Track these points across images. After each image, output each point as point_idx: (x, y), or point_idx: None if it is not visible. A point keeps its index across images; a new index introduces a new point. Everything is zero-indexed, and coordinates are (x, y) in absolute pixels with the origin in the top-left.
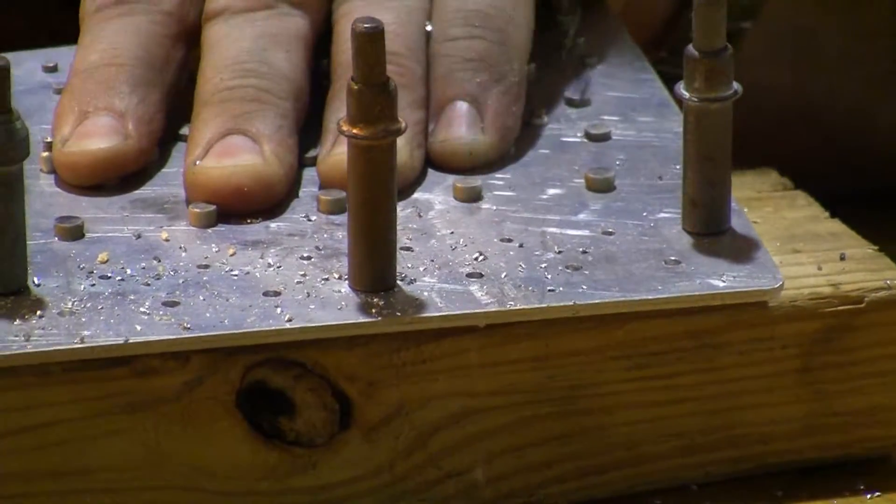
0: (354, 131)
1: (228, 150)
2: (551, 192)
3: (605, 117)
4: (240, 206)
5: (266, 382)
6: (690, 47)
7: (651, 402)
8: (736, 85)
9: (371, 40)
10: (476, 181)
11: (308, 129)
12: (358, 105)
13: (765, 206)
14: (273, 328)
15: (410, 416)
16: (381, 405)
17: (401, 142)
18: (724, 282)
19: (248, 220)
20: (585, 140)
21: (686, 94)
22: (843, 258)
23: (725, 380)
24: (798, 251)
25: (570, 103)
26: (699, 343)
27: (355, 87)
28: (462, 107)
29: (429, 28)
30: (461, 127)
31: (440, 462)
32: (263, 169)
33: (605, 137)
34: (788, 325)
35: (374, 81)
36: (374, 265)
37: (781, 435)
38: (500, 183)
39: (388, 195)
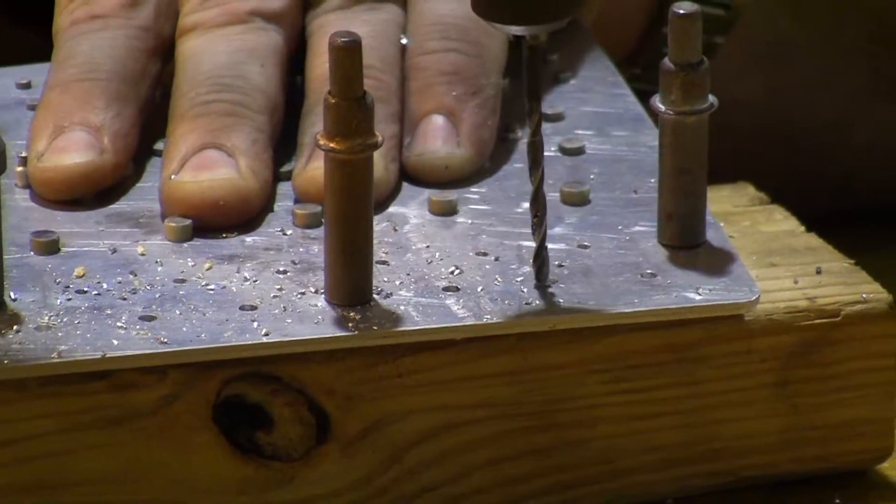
0: (332, 145)
1: (204, 165)
2: (526, 205)
3: (580, 132)
4: (216, 220)
5: (243, 397)
6: (666, 60)
7: (629, 416)
8: (712, 98)
9: (348, 54)
10: (451, 195)
11: (282, 144)
12: (335, 119)
13: (742, 220)
14: (250, 342)
15: (388, 431)
16: (358, 419)
17: (376, 156)
18: (700, 295)
19: (224, 235)
20: (560, 154)
21: (662, 107)
22: (819, 272)
23: (703, 393)
24: (775, 265)
25: (545, 117)
26: (677, 357)
27: (333, 101)
28: (438, 120)
29: (404, 41)
30: (437, 141)
31: (418, 476)
32: (239, 183)
33: (579, 151)
34: (765, 339)
35: (352, 95)
36: (351, 279)
37: (759, 448)
38: (476, 197)
39: (365, 209)
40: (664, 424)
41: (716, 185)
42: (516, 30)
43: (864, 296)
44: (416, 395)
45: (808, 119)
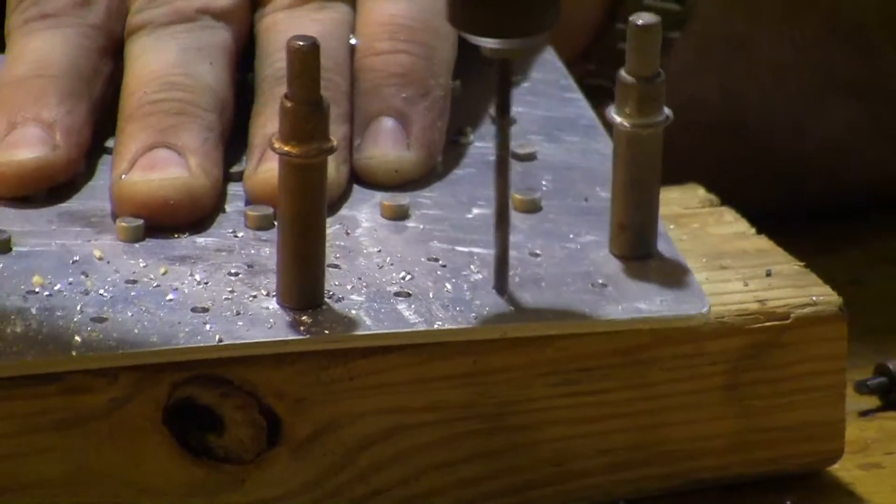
0: (287, 149)
1: (154, 164)
2: (477, 211)
3: (532, 136)
4: (167, 220)
5: (194, 399)
6: (623, 72)
7: (580, 419)
8: (667, 111)
9: (306, 57)
10: (403, 199)
11: (233, 142)
12: (291, 123)
13: (692, 222)
14: (202, 345)
15: (339, 433)
16: (309, 422)
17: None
18: (651, 306)
19: (176, 235)
20: (511, 159)
21: (617, 119)
22: (769, 274)
23: (654, 396)
24: (725, 268)
25: (495, 120)
26: (628, 360)
27: (288, 105)
28: (388, 123)
29: (353, 41)
30: (387, 144)
31: (369, 479)
32: (190, 182)
33: (531, 157)
34: (716, 342)
35: (308, 99)
36: (304, 283)
37: (710, 451)
38: (427, 202)
39: (319, 213)
40: (615, 427)
41: (665, 187)
42: (491, 43)
43: (814, 298)
44: (368, 397)
45: (763, 116)
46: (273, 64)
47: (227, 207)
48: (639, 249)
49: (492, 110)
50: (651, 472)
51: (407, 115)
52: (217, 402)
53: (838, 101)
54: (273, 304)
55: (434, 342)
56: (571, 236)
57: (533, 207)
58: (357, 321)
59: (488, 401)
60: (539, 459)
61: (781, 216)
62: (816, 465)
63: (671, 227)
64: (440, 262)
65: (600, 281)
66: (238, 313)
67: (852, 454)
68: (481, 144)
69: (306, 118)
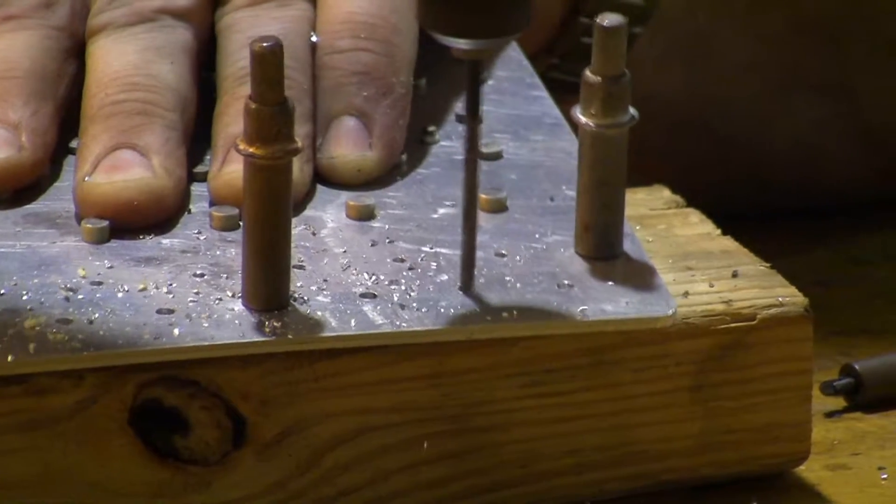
0: (251, 150)
1: (118, 165)
2: (443, 211)
3: (497, 135)
4: (132, 221)
5: (160, 401)
6: (588, 71)
7: (546, 420)
8: (632, 110)
9: (269, 59)
10: (369, 199)
11: (196, 142)
12: (255, 124)
13: (658, 223)
14: (167, 346)
15: (305, 434)
16: (275, 423)
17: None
18: (617, 307)
19: (141, 236)
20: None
21: (583, 119)
22: (735, 275)
23: (620, 397)
24: (691, 269)
25: (462, 120)
26: (594, 360)
27: (253, 107)
28: (350, 122)
29: (314, 39)
30: (349, 143)
31: (335, 480)
32: (153, 182)
33: (497, 156)
34: (682, 343)
35: (273, 101)
36: (269, 284)
37: (677, 452)
38: (393, 202)
39: (284, 214)
40: (581, 428)
41: (631, 188)
42: (461, 43)
43: (779, 299)
44: (333, 398)
45: (728, 114)
46: (235, 63)
47: (193, 208)
48: (604, 250)
49: (460, 110)
50: (618, 474)
51: (369, 114)
52: (183, 403)
53: (804, 99)
54: (238, 306)
55: (400, 343)
56: (537, 236)
57: (499, 207)
58: (322, 323)
59: (454, 402)
60: (505, 460)
61: (748, 217)
62: (783, 466)
63: (637, 227)
64: (406, 263)
65: (566, 282)
66: (203, 315)
67: (818, 455)
68: (447, 144)
69: (271, 120)
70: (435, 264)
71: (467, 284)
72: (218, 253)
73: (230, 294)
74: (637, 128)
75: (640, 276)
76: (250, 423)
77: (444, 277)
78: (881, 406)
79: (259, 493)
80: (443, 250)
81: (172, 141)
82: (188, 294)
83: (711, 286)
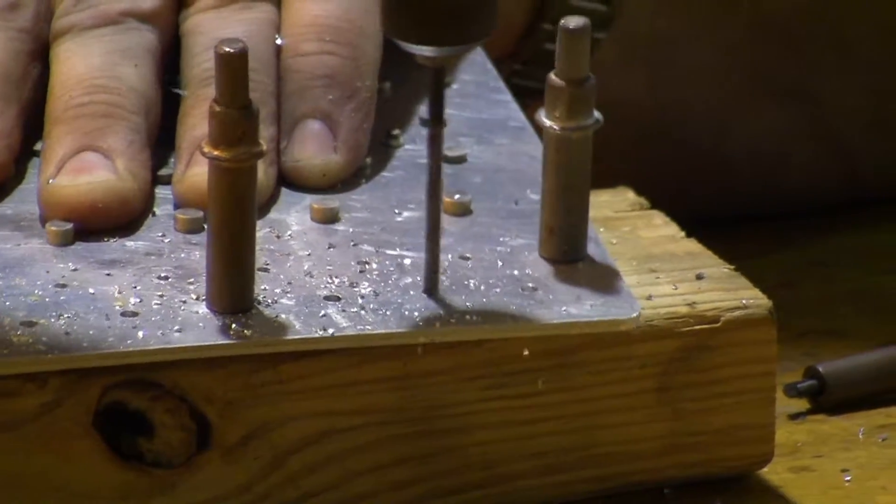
0: (216, 153)
1: (82, 167)
2: (407, 214)
3: (462, 139)
4: (96, 223)
5: (124, 403)
6: (552, 75)
7: (510, 422)
8: (597, 114)
9: (234, 62)
10: (333, 202)
11: (161, 144)
12: (220, 127)
13: (622, 225)
14: (132, 349)
15: (269, 437)
16: (239, 426)
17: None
18: (581, 310)
19: (106, 239)
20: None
21: (547, 123)
22: (699, 277)
23: (584, 399)
24: (655, 271)
25: (426, 123)
26: (557, 362)
27: (218, 110)
28: (315, 125)
29: (279, 42)
30: (314, 146)
31: (299, 482)
32: (118, 184)
33: (461, 160)
34: (646, 345)
35: (238, 104)
36: (233, 287)
37: (641, 454)
38: (357, 205)
39: (249, 217)
40: (545, 430)
41: (595, 190)
42: (425, 51)
43: (743, 302)
44: (297, 401)
45: (690, 119)
46: (199, 65)
47: (157, 210)
48: (569, 253)
49: (424, 114)
50: (582, 475)
51: (333, 117)
52: (147, 406)
53: (766, 104)
54: (203, 309)
55: (364, 346)
56: (501, 239)
57: (463, 210)
58: (286, 325)
59: (418, 404)
60: (469, 462)
61: (712, 219)
62: (747, 468)
63: (601, 229)
64: (370, 266)
65: (530, 285)
66: (168, 317)
67: (782, 457)
68: (411, 147)
69: (236, 123)
70: (398, 267)
71: (431, 287)
72: (182, 255)
73: (194, 297)
74: (600, 133)
75: (604, 279)
76: (215, 426)
77: (408, 280)
78: (845, 408)
79: (224, 496)
80: (407, 253)
81: (136, 143)
82: (152, 297)
83: (675, 288)
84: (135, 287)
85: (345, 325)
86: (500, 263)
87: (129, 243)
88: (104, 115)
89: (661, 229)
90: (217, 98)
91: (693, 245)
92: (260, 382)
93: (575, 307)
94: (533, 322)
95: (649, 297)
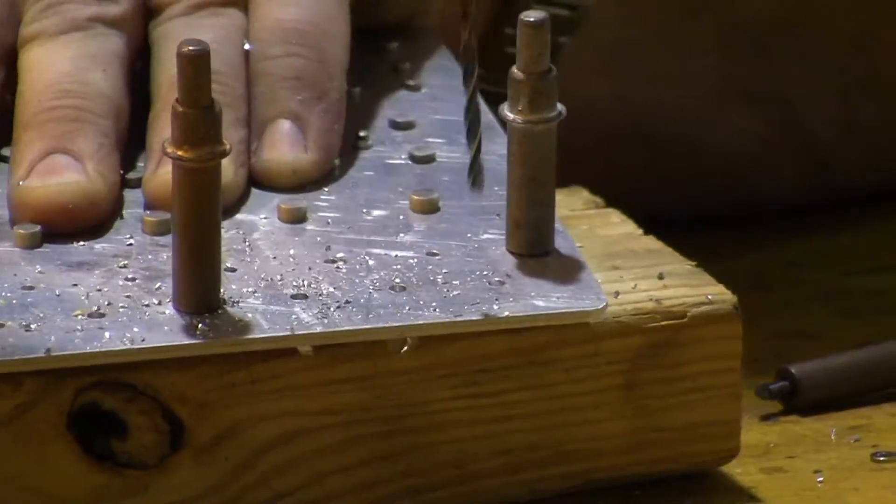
0: (179, 153)
1: (52, 169)
2: (376, 213)
3: (430, 140)
4: (66, 224)
5: (98, 405)
6: (514, 69)
7: (479, 420)
8: (560, 106)
9: (196, 63)
10: (301, 202)
11: (130, 149)
12: (183, 128)
13: (580, 223)
14: (98, 351)
15: (241, 437)
16: (211, 426)
17: (225, 161)
18: (548, 302)
19: (73, 242)
20: (410, 162)
21: (510, 116)
22: (661, 277)
23: (553, 396)
24: (618, 268)
25: (395, 126)
26: (526, 360)
27: (180, 110)
28: (285, 125)
29: (248, 47)
30: (284, 146)
31: (271, 482)
32: (88, 186)
33: (429, 160)
34: (613, 342)
35: (200, 104)
36: (200, 287)
37: (609, 451)
38: (325, 205)
39: (213, 217)
40: (514, 428)
41: None
42: None
43: (709, 297)
44: (269, 401)
45: (658, 124)
46: (168, 71)
47: (125, 213)
48: (536, 247)
49: (393, 116)
50: (551, 473)
51: (303, 117)
52: (120, 407)
53: (735, 109)
54: (170, 309)
55: (332, 344)
56: (469, 235)
57: (431, 208)
58: (253, 324)
59: (387, 403)
60: (439, 461)
61: (683, 222)
62: (713, 464)
63: (568, 229)
64: (336, 265)
65: (497, 279)
66: (134, 319)
67: (754, 458)
68: (380, 149)
69: (198, 123)
70: (366, 265)
71: (476, 179)
72: (150, 257)
73: (161, 297)
74: (569, 137)
75: (571, 272)
76: (188, 427)
77: (376, 277)
78: (817, 409)
79: (196, 497)
80: (375, 251)
81: (106, 146)
82: (119, 298)
83: (640, 285)
84: (101, 289)
85: (311, 322)
86: (467, 259)
87: (97, 246)
88: (73, 120)
89: (619, 227)
90: (179, 99)
91: (652, 242)
92: (231, 383)
93: (542, 300)
94: (500, 316)
95: (616, 295)
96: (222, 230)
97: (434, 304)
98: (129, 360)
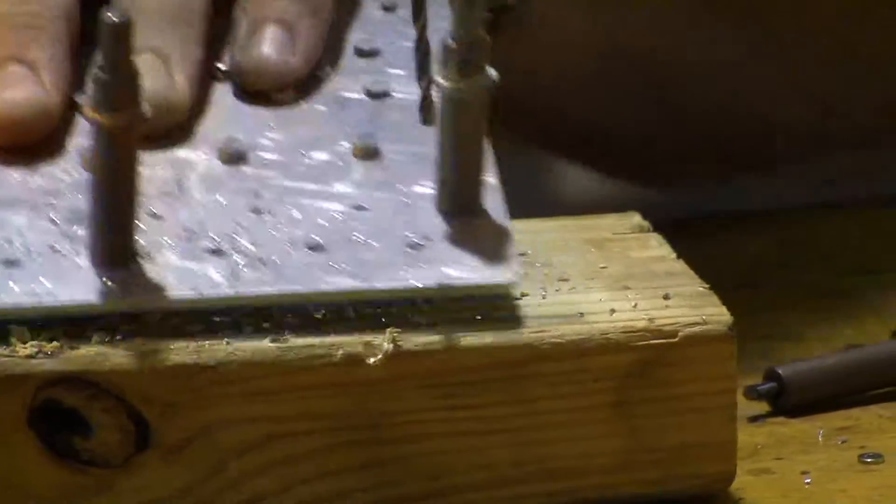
0: (98, 118)
1: (8, 83)
2: (316, 156)
3: (391, 70)
4: (20, 139)
5: (59, 402)
6: (447, 36)
7: (459, 432)
8: (492, 72)
9: (117, 31)
10: (241, 142)
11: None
12: (101, 92)
13: (614, 245)
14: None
15: (211, 440)
16: (180, 428)
17: (180, 79)
18: (460, 272)
19: (11, 168)
20: (365, 97)
21: (440, 81)
22: (666, 297)
23: (536, 412)
24: (628, 288)
25: (360, 53)
26: (508, 374)
27: (101, 77)
28: (276, 29)
29: None
30: (273, 47)
31: (241, 487)
32: (43, 99)
33: (384, 95)
34: (601, 358)
35: (121, 72)
36: (114, 242)
37: (596, 469)
38: (268, 143)
39: (130, 179)
40: (496, 442)
41: (603, 213)
42: None
43: (703, 317)
44: (240, 405)
45: (649, 68)
46: None
47: (69, 144)
48: (461, 207)
49: (359, 44)
50: (534, 489)
51: (295, 27)
52: (83, 404)
53: (728, 47)
54: (84, 260)
55: (308, 348)
56: (402, 188)
57: (370, 154)
58: (161, 286)
59: (364, 411)
60: (416, 472)
61: (672, 220)
62: (707, 487)
63: (592, 250)
64: (263, 215)
65: (417, 241)
66: (47, 270)
67: (742, 460)
68: (339, 80)
69: (116, 89)
70: (290, 218)
71: (426, 114)
72: (80, 197)
73: (79, 246)
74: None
75: (493, 241)
76: (154, 427)
77: (297, 233)
78: (805, 411)
79: (163, 499)
80: (303, 201)
81: (59, 55)
82: (37, 244)
83: (641, 304)
84: (24, 234)
85: (220, 282)
86: (393, 216)
87: (31, 178)
88: (28, 27)
89: (654, 251)
90: (101, 65)
91: (678, 265)
92: (200, 384)
93: (454, 269)
94: (407, 286)
95: (611, 312)
96: (157, 168)
97: (348, 268)
98: (27, 316)
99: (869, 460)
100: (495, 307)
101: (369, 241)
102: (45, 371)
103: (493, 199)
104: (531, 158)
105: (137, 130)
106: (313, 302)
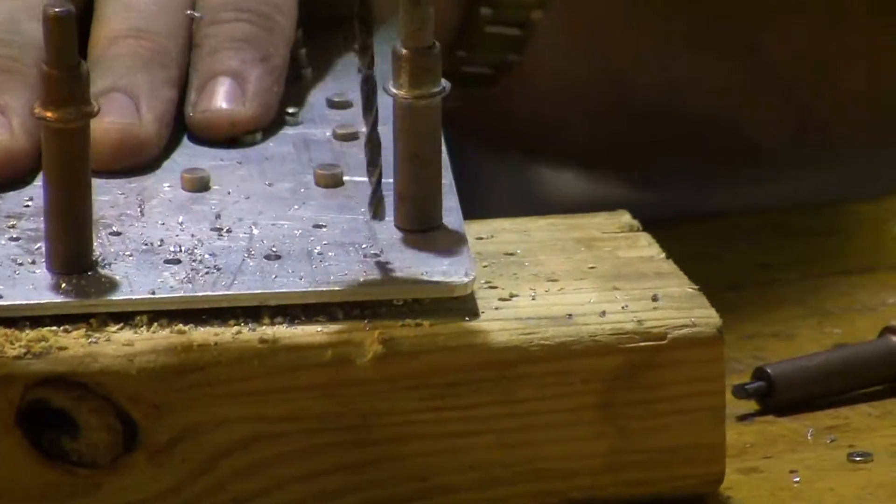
0: (46, 115)
1: None
2: (279, 185)
3: (362, 119)
4: None
5: (47, 402)
6: (397, 44)
7: (447, 433)
8: (444, 82)
9: (60, 24)
10: (204, 172)
11: None
12: (48, 88)
13: (604, 245)
14: None
15: (198, 440)
16: (167, 428)
17: (148, 117)
18: (415, 275)
19: None
20: (332, 139)
21: (393, 91)
22: (655, 299)
23: (524, 413)
24: (617, 289)
25: (331, 105)
26: (496, 375)
27: (45, 70)
28: (225, 81)
29: (197, 15)
30: (223, 98)
31: (229, 487)
32: (10, 144)
33: (352, 137)
34: (588, 360)
35: (65, 64)
36: (68, 247)
37: (584, 470)
38: (232, 176)
39: (82, 177)
40: (484, 443)
41: (592, 213)
42: None
43: (692, 320)
44: (227, 405)
45: (641, 90)
46: (107, 26)
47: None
48: (420, 222)
49: (331, 95)
50: (522, 490)
51: (245, 76)
52: (71, 405)
53: (711, 66)
54: (42, 269)
55: (295, 348)
56: (362, 210)
57: (333, 182)
58: (115, 286)
59: (352, 412)
60: (404, 473)
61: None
62: (696, 488)
63: (581, 249)
64: (222, 231)
65: (374, 251)
66: (3, 276)
67: (731, 458)
68: (308, 127)
69: (62, 84)
70: (249, 234)
71: (377, 208)
72: (42, 220)
73: (38, 258)
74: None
75: (449, 247)
76: (141, 427)
77: (256, 246)
78: (793, 409)
79: (150, 499)
80: (263, 222)
81: (32, 100)
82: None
83: (631, 306)
84: None
85: (175, 286)
86: (351, 232)
87: None
88: (3, 70)
89: (643, 251)
90: (45, 59)
91: (667, 266)
92: (188, 385)
93: (408, 273)
94: (361, 288)
95: (602, 314)
96: (119, 195)
97: (302, 274)
98: None
99: (858, 459)
100: (463, 307)
101: (327, 252)
102: (33, 371)
103: (449, 210)
104: (518, 158)
105: (86, 127)
106: (267, 303)
